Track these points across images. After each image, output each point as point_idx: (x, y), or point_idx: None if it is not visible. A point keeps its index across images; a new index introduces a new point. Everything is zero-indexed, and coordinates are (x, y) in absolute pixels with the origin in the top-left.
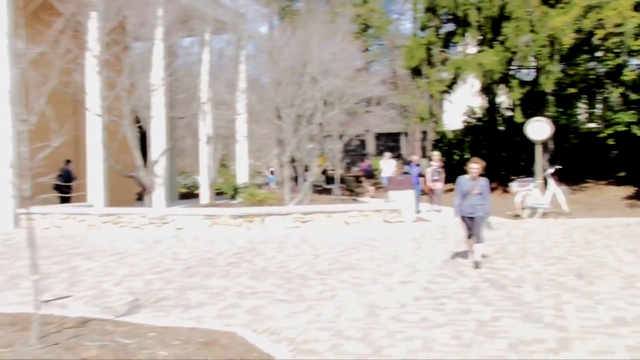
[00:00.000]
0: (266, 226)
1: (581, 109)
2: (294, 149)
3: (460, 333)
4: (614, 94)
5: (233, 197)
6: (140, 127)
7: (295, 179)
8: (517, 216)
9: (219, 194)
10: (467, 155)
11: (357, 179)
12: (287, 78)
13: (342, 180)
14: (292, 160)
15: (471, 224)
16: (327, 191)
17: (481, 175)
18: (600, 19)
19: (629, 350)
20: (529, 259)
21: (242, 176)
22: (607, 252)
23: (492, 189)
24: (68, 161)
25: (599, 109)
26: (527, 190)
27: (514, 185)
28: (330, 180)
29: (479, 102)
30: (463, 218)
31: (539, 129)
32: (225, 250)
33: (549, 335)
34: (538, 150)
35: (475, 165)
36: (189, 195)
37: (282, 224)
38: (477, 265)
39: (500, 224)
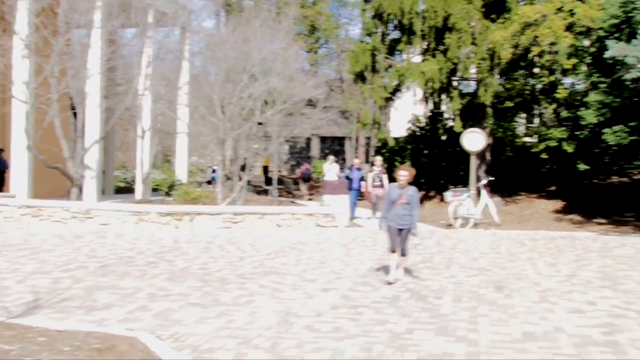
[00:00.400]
0: (195, 225)
1: (519, 123)
2: (232, 147)
3: (371, 345)
4: (548, 110)
5: (168, 194)
6: (75, 118)
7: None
8: (449, 225)
9: (157, 190)
10: (408, 163)
11: (295, 181)
12: (227, 75)
13: (281, 182)
14: (232, 160)
15: (396, 236)
16: (267, 192)
17: (412, 184)
18: (536, 37)
19: None
20: (454, 270)
21: (181, 173)
22: (528, 265)
23: (430, 198)
24: (1, 150)
25: (535, 123)
26: (460, 200)
27: (448, 195)
28: (269, 181)
29: (424, 111)
30: (389, 229)
31: (473, 140)
32: (147, 249)
33: (458, 350)
34: (473, 161)
35: (403, 173)
36: (127, 189)
37: (212, 224)
38: (392, 281)
39: (431, 232)
